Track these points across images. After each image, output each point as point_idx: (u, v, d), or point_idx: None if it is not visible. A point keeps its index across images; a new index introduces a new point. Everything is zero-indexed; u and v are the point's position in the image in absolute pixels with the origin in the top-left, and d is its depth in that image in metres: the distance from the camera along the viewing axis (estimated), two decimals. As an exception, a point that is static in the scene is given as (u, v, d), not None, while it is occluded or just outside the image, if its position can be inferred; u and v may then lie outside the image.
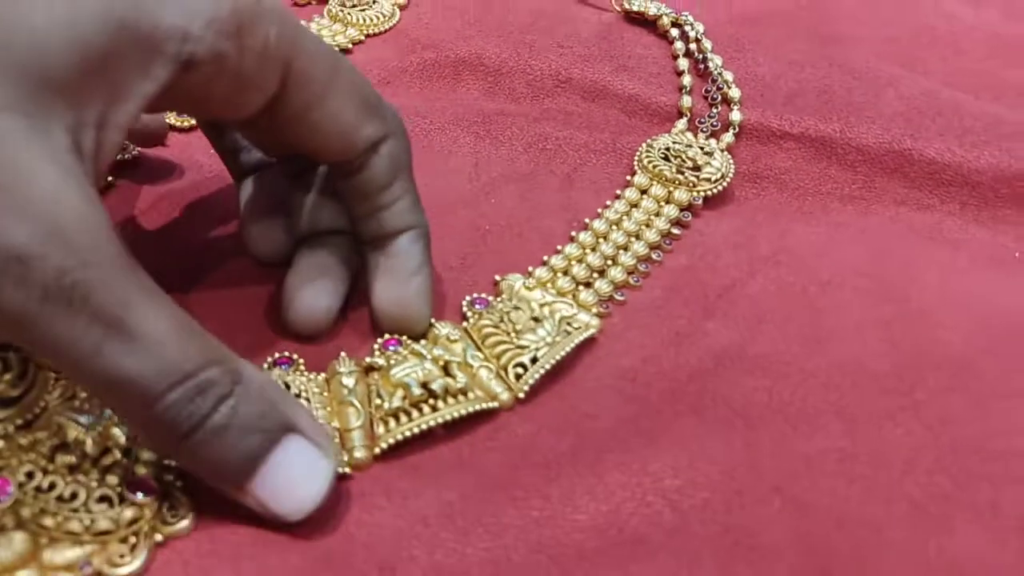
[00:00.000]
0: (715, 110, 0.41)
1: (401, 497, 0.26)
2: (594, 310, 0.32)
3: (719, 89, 0.41)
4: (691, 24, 0.44)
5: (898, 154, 0.38)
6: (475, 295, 0.32)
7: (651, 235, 0.35)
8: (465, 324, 0.31)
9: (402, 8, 0.48)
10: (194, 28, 0.23)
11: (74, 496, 0.24)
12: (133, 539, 0.24)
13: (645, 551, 0.25)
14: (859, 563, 0.25)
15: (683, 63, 0.43)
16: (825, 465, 0.28)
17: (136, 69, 0.22)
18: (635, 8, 0.45)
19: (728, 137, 0.40)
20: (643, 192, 0.37)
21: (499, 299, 0.32)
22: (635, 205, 0.37)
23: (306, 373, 0.29)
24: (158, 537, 0.24)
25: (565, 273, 0.33)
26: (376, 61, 0.45)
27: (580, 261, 0.34)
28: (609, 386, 0.30)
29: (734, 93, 0.41)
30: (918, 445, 0.28)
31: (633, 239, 0.35)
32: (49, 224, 0.20)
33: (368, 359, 0.29)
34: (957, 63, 0.45)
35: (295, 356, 0.30)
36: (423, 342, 0.30)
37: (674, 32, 0.44)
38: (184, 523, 0.25)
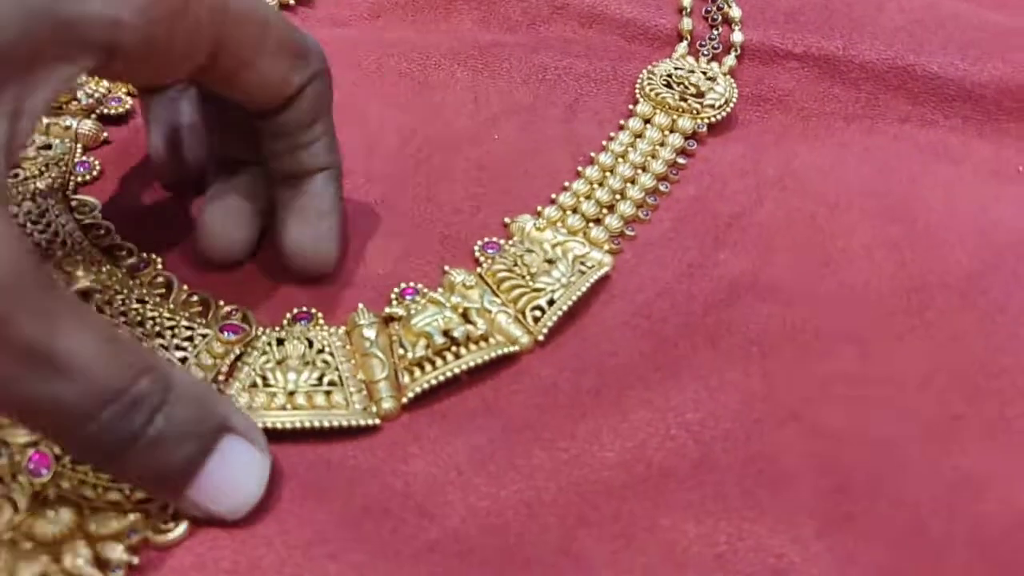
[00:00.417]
0: (716, 31, 0.40)
1: (432, 444, 0.27)
2: (606, 247, 0.32)
3: (719, 9, 0.41)
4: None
5: (901, 70, 0.38)
6: (486, 239, 0.33)
7: (657, 166, 0.35)
8: (479, 269, 0.31)
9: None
10: (125, 16, 0.22)
11: None
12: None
13: (672, 484, 0.26)
14: (876, 481, 0.26)
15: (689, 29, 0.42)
16: (839, 388, 0.29)
17: (57, 58, 0.22)
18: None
19: (730, 60, 0.39)
20: (646, 121, 0.37)
21: (510, 242, 0.32)
22: (639, 135, 0.36)
23: (327, 327, 0.29)
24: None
25: (575, 211, 0.33)
26: (364, -6, 0.44)
27: (588, 198, 0.34)
28: (626, 323, 0.30)
29: (735, 13, 0.40)
30: (929, 365, 0.29)
31: (640, 171, 0.35)
32: None
33: (388, 309, 0.30)
34: (957, -32, 0.44)
35: (314, 310, 0.30)
36: (440, 290, 0.31)
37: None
38: None
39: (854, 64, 0.38)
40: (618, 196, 0.34)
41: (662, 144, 0.36)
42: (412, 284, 0.31)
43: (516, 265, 0.31)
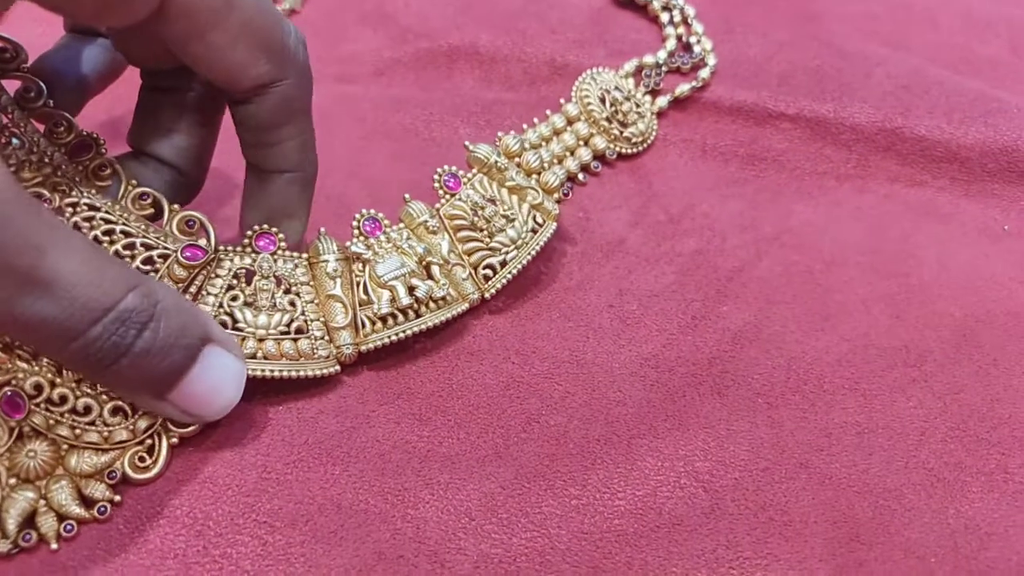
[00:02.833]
0: (663, 69, 0.42)
1: (443, 490, 0.27)
2: (556, 196, 0.34)
3: (692, 58, 0.42)
4: (681, 8, 0.44)
5: (890, 132, 0.39)
6: (446, 171, 0.33)
7: (558, 172, 0.36)
8: (439, 206, 0.32)
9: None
10: None
11: (88, 410, 0.26)
12: (150, 442, 0.26)
13: (684, 532, 0.26)
14: (884, 530, 0.27)
15: (673, 46, 0.43)
16: (845, 439, 0.29)
17: None
18: (624, -8, 0.46)
19: (662, 101, 0.41)
20: (569, 123, 0.38)
21: (471, 175, 0.33)
22: (559, 133, 0.38)
23: (291, 256, 0.30)
24: (173, 440, 0.26)
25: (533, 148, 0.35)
26: (369, 52, 0.45)
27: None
28: (633, 373, 0.31)
29: (704, 73, 0.41)
30: (930, 416, 0.30)
31: (543, 167, 0.36)
32: None
33: (351, 245, 0.30)
34: (935, 38, 0.46)
35: (274, 230, 0.30)
36: (403, 229, 0.31)
37: (664, 17, 0.44)
38: (194, 425, 0.26)
39: (845, 126, 0.40)
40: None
41: (572, 153, 0.38)
42: (372, 213, 0.31)
43: (476, 216, 0.32)
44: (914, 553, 0.26)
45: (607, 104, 0.39)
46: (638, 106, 0.40)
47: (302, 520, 0.26)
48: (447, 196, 0.32)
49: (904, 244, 0.36)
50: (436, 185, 0.32)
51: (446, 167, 0.33)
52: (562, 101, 0.39)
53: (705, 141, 0.40)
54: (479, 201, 0.32)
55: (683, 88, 0.41)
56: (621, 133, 0.39)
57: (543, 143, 0.37)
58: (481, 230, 0.32)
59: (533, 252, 0.32)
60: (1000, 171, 0.38)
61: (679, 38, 0.44)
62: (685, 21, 0.44)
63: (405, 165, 0.39)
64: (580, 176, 0.38)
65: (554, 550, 0.26)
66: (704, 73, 0.42)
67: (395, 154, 0.39)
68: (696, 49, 0.43)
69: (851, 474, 0.28)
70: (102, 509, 0.25)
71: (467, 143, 0.33)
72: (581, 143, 0.38)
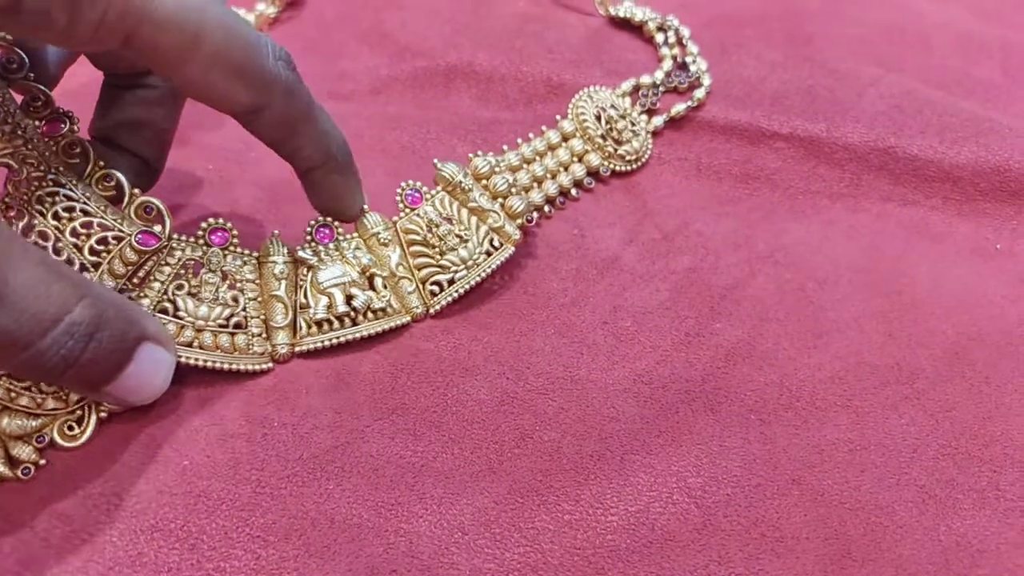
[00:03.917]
0: (660, 89, 0.42)
1: (436, 505, 0.27)
2: (519, 221, 0.34)
3: (688, 77, 0.43)
4: (676, 29, 0.45)
5: (883, 152, 0.40)
6: (410, 185, 0.33)
7: (551, 187, 0.37)
8: (396, 220, 0.33)
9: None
10: None
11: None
12: (80, 413, 0.28)
13: (676, 548, 0.26)
14: (876, 547, 0.27)
15: (669, 66, 0.44)
16: (837, 456, 0.29)
17: None
18: (621, 15, 0.46)
19: (658, 121, 0.41)
20: (564, 139, 0.39)
21: (434, 193, 0.33)
22: (553, 148, 0.38)
23: (241, 253, 0.31)
24: (103, 414, 0.28)
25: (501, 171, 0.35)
26: (366, 70, 0.45)
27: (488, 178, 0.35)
28: (627, 389, 0.31)
29: (700, 93, 0.42)
30: (922, 433, 0.30)
31: (536, 184, 0.37)
32: None
33: (299, 251, 0.31)
34: (928, 60, 0.46)
35: (229, 225, 0.31)
36: (354, 239, 0.32)
37: (660, 37, 0.45)
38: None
39: (838, 145, 0.40)
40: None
41: (566, 169, 0.38)
42: (328, 222, 0.32)
43: (430, 232, 0.32)
44: (906, 570, 0.26)
45: (602, 122, 0.39)
46: (633, 124, 0.40)
47: (296, 534, 0.26)
48: (407, 210, 0.33)
49: (897, 263, 0.36)
50: (398, 199, 0.33)
51: (411, 182, 0.34)
52: (558, 118, 0.39)
53: (700, 160, 0.41)
54: (435, 219, 0.33)
55: (679, 108, 0.41)
56: (616, 150, 0.39)
57: (524, 165, 0.37)
58: (433, 247, 0.32)
59: (484, 273, 0.33)
60: (992, 190, 0.39)
61: (674, 58, 0.44)
62: (680, 42, 0.45)
63: (401, 182, 0.39)
64: (573, 191, 0.38)
65: (547, 565, 0.26)
66: (700, 93, 0.42)
67: (391, 171, 0.40)
68: (692, 69, 0.43)
69: (843, 491, 0.28)
70: (26, 470, 0.26)
71: (436, 161, 0.34)
72: (575, 159, 0.39)
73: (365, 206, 0.33)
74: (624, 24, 0.47)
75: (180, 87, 0.28)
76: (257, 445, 0.28)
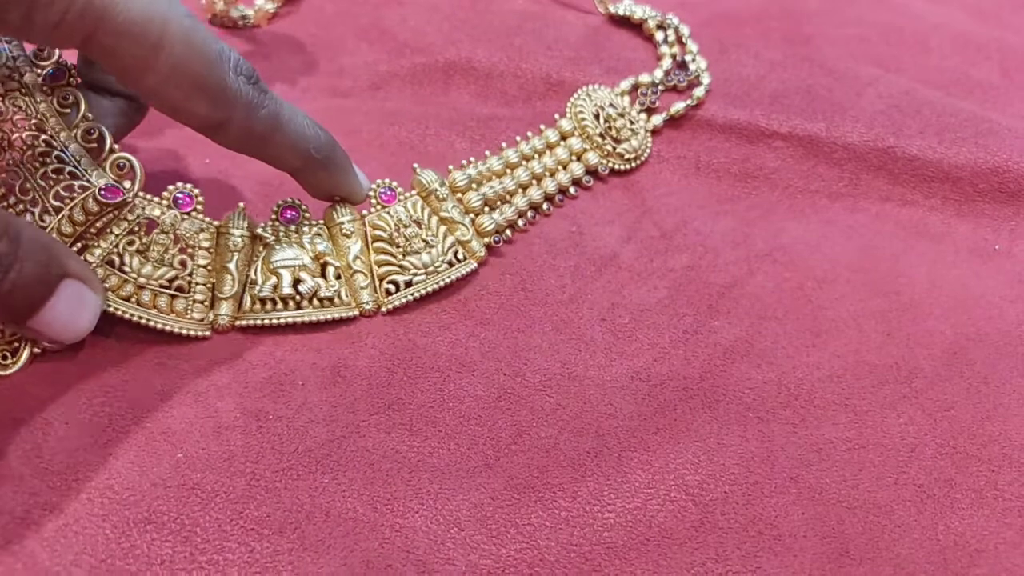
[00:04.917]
0: (660, 88, 0.42)
1: (432, 500, 0.27)
2: (487, 240, 0.34)
3: (687, 76, 0.43)
4: (676, 27, 0.45)
5: (882, 151, 0.40)
6: (386, 184, 0.34)
7: (550, 185, 0.37)
8: (366, 214, 0.33)
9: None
10: None
11: None
12: (17, 344, 0.28)
13: (673, 546, 0.26)
14: (874, 545, 0.27)
15: (668, 65, 0.44)
16: (835, 454, 0.29)
17: None
18: (620, 13, 0.46)
19: (658, 119, 0.41)
20: (563, 137, 0.39)
21: (408, 195, 0.34)
22: (551, 147, 0.38)
23: (200, 220, 0.31)
24: (36, 350, 0.29)
25: (479, 186, 0.35)
26: (365, 66, 0.45)
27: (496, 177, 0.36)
28: (624, 386, 0.31)
29: (699, 91, 0.42)
30: (920, 432, 0.30)
31: (535, 182, 0.37)
32: None
33: (260, 228, 0.31)
34: (927, 61, 0.46)
35: (197, 192, 0.31)
36: (317, 227, 0.32)
37: (659, 36, 0.45)
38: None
39: (837, 145, 0.40)
40: (506, 198, 0.36)
41: (564, 167, 0.38)
42: (297, 202, 0.32)
43: (397, 232, 0.32)
44: (903, 569, 0.26)
45: (601, 120, 0.39)
46: (632, 123, 0.40)
47: (290, 528, 0.26)
48: (378, 207, 0.33)
49: (895, 262, 0.36)
50: (371, 195, 0.33)
51: (386, 180, 0.34)
52: (556, 116, 0.39)
53: (698, 158, 0.41)
54: (404, 219, 0.33)
55: (678, 106, 0.41)
56: (614, 149, 0.39)
57: (510, 170, 0.37)
58: (398, 246, 0.32)
59: (443, 282, 0.33)
60: (991, 191, 0.39)
61: (673, 57, 0.44)
62: (680, 40, 0.45)
63: (400, 178, 0.39)
64: (572, 189, 0.38)
65: (543, 562, 0.26)
66: (699, 91, 0.42)
67: (390, 167, 0.39)
68: (691, 67, 0.43)
69: (841, 489, 0.28)
70: None
71: (415, 166, 0.34)
72: (574, 158, 0.39)
73: (372, 186, 0.33)
74: (623, 22, 0.47)
75: (141, 95, 0.28)
76: (252, 438, 0.28)
